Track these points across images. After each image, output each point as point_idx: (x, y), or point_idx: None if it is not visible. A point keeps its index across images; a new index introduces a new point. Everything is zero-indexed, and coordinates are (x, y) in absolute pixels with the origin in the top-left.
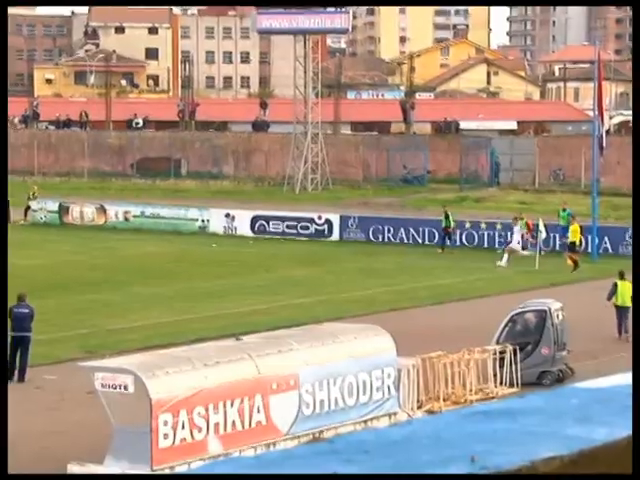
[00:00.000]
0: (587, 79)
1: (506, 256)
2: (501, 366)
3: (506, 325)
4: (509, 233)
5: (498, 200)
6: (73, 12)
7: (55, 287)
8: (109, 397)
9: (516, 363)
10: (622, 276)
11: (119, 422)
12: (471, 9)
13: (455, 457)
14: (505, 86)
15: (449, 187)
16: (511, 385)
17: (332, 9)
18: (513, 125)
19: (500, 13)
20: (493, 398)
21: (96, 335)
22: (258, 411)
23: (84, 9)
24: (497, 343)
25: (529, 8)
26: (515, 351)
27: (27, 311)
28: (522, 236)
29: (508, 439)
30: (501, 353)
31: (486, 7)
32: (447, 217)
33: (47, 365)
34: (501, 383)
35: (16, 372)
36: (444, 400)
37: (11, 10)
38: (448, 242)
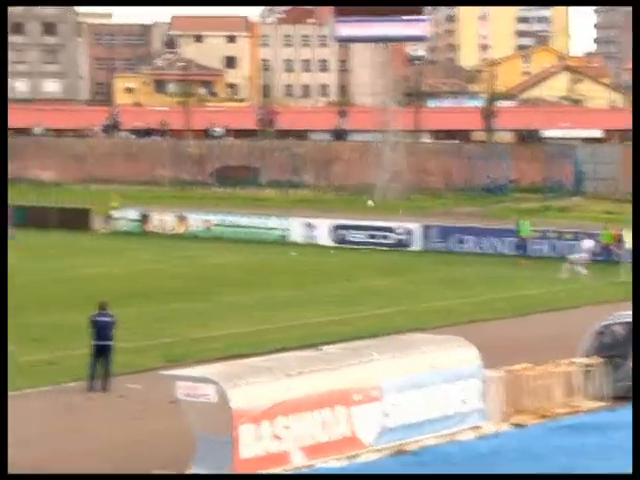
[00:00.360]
0: None
1: (576, 268)
2: (589, 379)
3: (594, 337)
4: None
5: (583, 210)
6: (154, 22)
7: (136, 296)
8: (191, 406)
9: (604, 376)
10: None
11: (202, 432)
12: (553, 15)
13: (543, 470)
14: (589, 94)
15: (532, 196)
16: (599, 399)
17: (411, 17)
18: (598, 133)
19: (587, 20)
20: (580, 412)
21: (178, 344)
22: (341, 422)
23: (166, 18)
24: (584, 356)
25: (616, 15)
26: (603, 364)
27: (109, 319)
28: (589, 250)
29: (597, 453)
30: (588, 366)
31: (566, 14)
32: (520, 227)
33: (130, 374)
34: (589, 397)
35: (98, 381)
36: (530, 413)
37: (91, 19)
38: (524, 252)
